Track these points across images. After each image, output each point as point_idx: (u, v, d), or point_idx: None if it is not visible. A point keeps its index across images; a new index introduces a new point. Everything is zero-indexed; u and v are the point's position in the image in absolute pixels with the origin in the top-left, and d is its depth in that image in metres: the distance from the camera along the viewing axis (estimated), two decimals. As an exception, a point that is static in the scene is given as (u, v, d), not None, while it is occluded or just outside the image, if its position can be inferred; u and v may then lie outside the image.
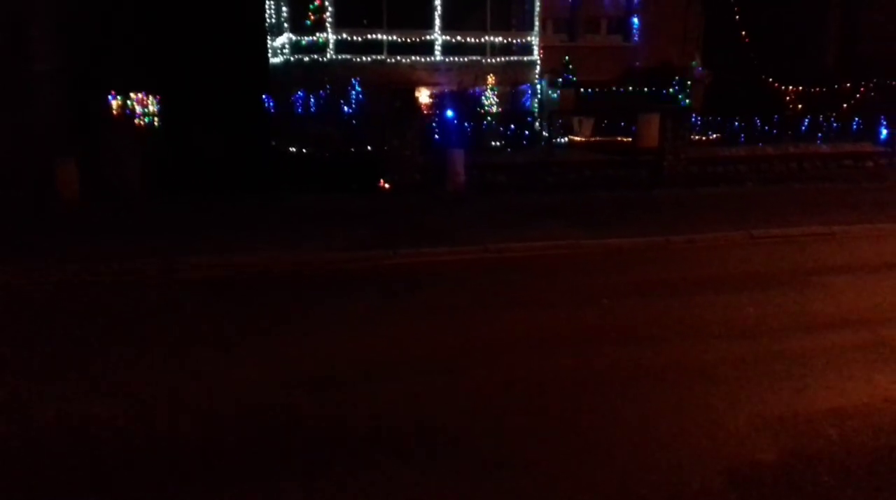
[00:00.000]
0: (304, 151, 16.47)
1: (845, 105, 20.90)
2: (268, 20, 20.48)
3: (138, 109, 17.57)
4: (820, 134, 16.35)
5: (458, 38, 18.37)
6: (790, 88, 22.13)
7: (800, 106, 21.51)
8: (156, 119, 17.85)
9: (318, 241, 10.13)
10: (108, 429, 4.99)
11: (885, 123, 16.04)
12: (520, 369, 5.98)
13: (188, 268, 8.93)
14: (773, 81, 21.88)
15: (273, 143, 17.43)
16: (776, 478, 4.38)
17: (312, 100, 17.40)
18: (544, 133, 17.35)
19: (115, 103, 17.19)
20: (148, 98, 17.82)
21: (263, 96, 19.60)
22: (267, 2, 20.36)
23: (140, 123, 17.26)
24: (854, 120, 17.36)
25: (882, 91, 21.03)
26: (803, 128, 16.43)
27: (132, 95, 17.52)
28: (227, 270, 8.95)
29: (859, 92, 21.37)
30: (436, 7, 18.09)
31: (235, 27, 20.78)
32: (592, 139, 17.13)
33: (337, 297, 8.05)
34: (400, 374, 5.88)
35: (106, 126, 14.18)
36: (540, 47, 19.12)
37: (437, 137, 15.52)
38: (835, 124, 17.24)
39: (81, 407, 5.27)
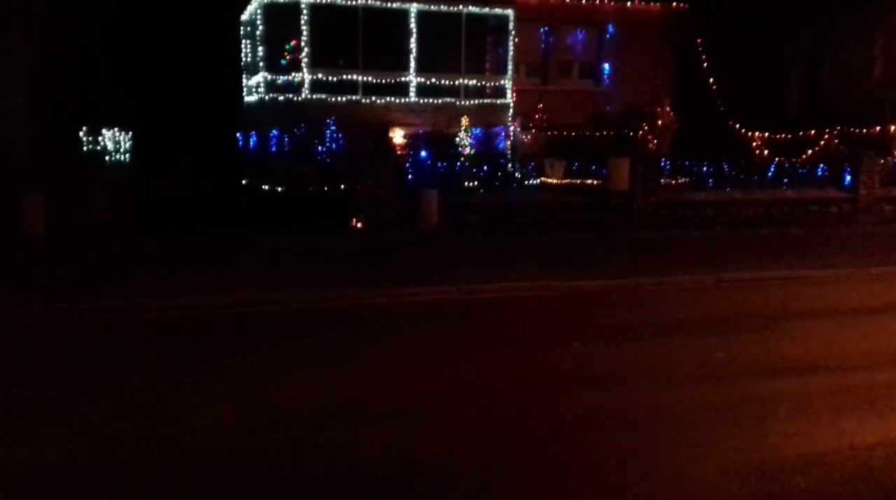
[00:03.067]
0: (277, 189, 16.47)
1: (810, 151, 21.46)
2: (243, 59, 20.62)
3: (110, 145, 17.49)
4: (786, 179, 16.74)
5: (433, 80, 18.63)
6: (756, 134, 22.69)
7: (766, 152, 22.04)
8: (127, 155, 17.77)
9: (290, 280, 10.06)
10: (65, 472, 4.86)
11: (848, 169, 16.46)
12: (491, 412, 5.96)
13: (153, 307, 8.81)
14: (740, 128, 22.42)
15: (246, 181, 17.41)
16: (744, 526, 4.38)
17: (287, 139, 17.47)
18: (517, 174, 17.56)
19: (86, 139, 17.09)
20: (120, 135, 17.76)
21: (237, 135, 19.63)
22: (243, 41, 20.53)
23: (111, 160, 17.16)
24: (819, 166, 17.81)
25: (845, 138, 21.66)
26: (770, 173, 16.80)
27: (104, 131, 17.45)
28: (193, 310, 8.84)
29: (823, 139, 21.98)
30: (411, 50, 18.36)
31: (210, 66, 20.92)
32: (564, 181, 17.36)
33: (308, 337, 7.98)
34: (372, 416, 5.82)
35: (76, 162, 14.04)
36: (513, 90, 19.44)
37: (410, 177, 15.63)
38: (800, 170, 17.67)
39: (37, 452, 5.13)
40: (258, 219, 14.58)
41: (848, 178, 16.42)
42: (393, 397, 6.25)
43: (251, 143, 19.24)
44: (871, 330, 8.45)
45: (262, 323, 8.54)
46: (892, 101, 21.75)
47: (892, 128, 21.31)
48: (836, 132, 21.96)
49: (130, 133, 18.19)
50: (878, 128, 21.62)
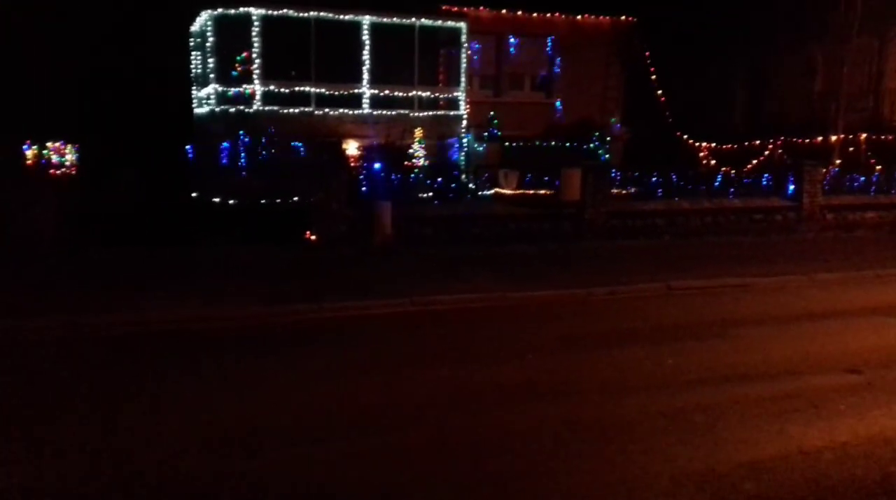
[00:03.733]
0: (228, 201, 16.25)
1: (754, 161, 22.06)
2: (193, 70, 20.34)
3: (55, 158, 17.07)
4: (732, 189, 17.13)
5: (387, 91, 18.63)
6: (703, 144, 23.23)
7: (713, 162, 22.57)
8: (73, 168, 17.36)
9: (241, 295, 9.93)
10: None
11: (791, 178, 16.92)
12: (447, 427, 5.94)
13: (98, 324, 8.59)
14: (688, 138, 22.93)
15: (196, 193, 17.14)
16: (696, 533, 4.44)
17: (238, 150, 17.25)
18: (471, 186, 17.64)
19: (30, 152, 16.64)
20: (66, 147, 17.34)
21: (187, 146, 19.34)
22: (192, 52, 20.25)
23: (56, 173, 16.75)
24: (763, 175, 18.29)
25: (788, 148, 22.32)
26: (716, 183, 17.18)
27: (49, 144, 17.03)
28: (140, 326, 8.66)
29: (767, 149, 22.61)
30: (364, 61, 18.34)
31: (159, 77, 20.58)
32: (517, 192, 17.49)
33: (258, 354, 7.86)
34: (323, 436, 5.75)
35: (18, 175, 13.65)
36: (466, 102, 19.55)
37: (364, 189, 15.57)
38: (745, 180, 18.11)
39: (-20, 478, 4.95)
40: (209, 232, 14.36)
41: (791, 187, 16.88)
42: (344, 417, 6.17)
43: (202, 155, 18.96)
44: (815, 335, 8.68)
45: (210, 339, 8.39)
46: (832, 112, 22.48)
47: (833, 138, 22.04)
48: (779, 142, 22.64)
49: (77, 145, 17.78)
50: (819, 138, 22.34)
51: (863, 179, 18.19)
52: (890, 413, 6.25)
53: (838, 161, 21.14)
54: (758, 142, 22.93)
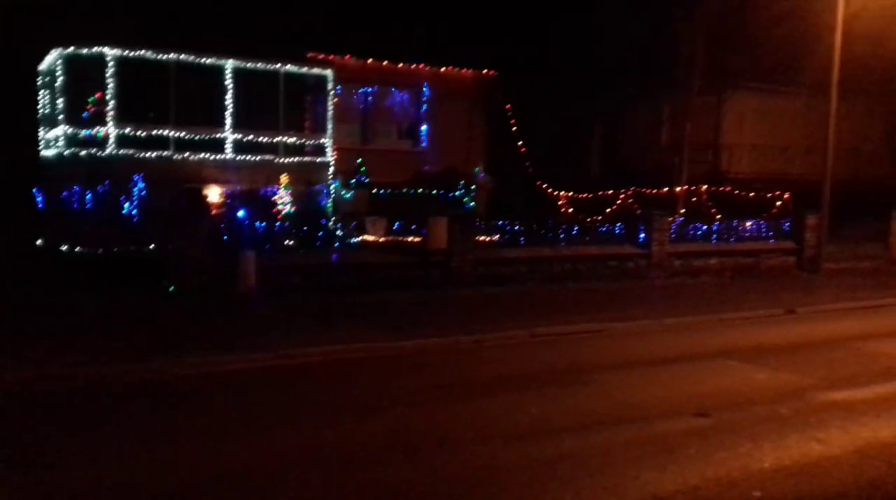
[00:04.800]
0: (77, 249, 15.30)
1: (609, 210, 23.30)
2: (40, 110, 19.17)
3: None
4: (588, 237, 17.93)
5: (251, 136, 18.27)
6: (562, 193, 24.31)
7: (570, 210, 23.64)
8: None
9: (88, 351, 9.28)
10: None
11: (642, 227, 17.96)
12: (312, 489, 5.76)
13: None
14: (547, 187, 23.93)
15: (41, 241, 16.03)
16: (561, 586, 4.50)
17: (90, 196, 16.31)
18: (339, 233, 17.51)
19: None
20: None
21: (32, 191, 18.11)
22: (40, 91, 19.12)
23: None
24: (617, 224, 19.30)
25: (638, 198, 23.77)
26: (574, 231, 17.92)
27: None
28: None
29: (619, 198, 23.97)
30: (227, 106, 17.94)
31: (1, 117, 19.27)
32: (385, 240, 17.51)
33: (106, 417, 7.34)
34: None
35: None
36: (334, 149, 19.50)
37: (227, 237, 15.09)
38: (601, 228, 19.03)
39: None
40: (53, 282, 13.43)
41: (642, 235, 17.91)
42: (199, 483, 5.86)
43: (49, 200, 17.80)
44: (667, 380, 9.15)
45: (47, 403, 7.74)
46: (677, 163, 24.21)
47: (678, 189, 23.70)
48: (630, 192, 24.06)
49: None
50: (666, 188, 23.97)
51: (705, 227, 19.58)
52: (735, 455, 6.65)
53: (682, 210, 22.71)
54: (611, 191, 24.25)
